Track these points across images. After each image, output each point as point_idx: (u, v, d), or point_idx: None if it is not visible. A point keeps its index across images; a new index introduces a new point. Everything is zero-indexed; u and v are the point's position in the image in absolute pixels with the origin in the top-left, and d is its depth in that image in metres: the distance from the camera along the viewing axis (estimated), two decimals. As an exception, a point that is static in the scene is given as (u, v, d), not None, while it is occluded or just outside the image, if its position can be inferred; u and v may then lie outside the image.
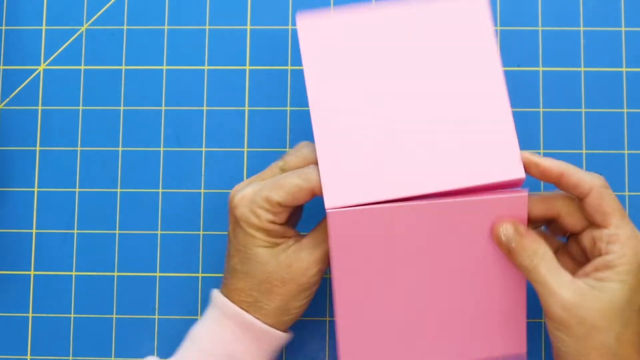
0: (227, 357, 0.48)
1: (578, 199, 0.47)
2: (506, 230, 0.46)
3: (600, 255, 0.46)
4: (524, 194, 0.47)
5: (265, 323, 0.48)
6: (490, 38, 0.50)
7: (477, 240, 0.48)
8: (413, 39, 0.50)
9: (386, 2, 0.50)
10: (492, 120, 0.48)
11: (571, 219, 0.47)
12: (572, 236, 0.49)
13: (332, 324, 0.56)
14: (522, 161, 0.47)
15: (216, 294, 0.49)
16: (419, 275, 0.50)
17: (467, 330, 0.51)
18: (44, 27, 0.59)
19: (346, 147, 0.48)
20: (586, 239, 0.47)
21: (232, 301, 0.48)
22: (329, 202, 0.46)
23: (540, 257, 0.46)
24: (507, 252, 0.47)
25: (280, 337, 0.49)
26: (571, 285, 0.44)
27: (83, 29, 0.59)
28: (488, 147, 0.48)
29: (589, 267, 0.46)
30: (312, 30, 0.50)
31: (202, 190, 0.57)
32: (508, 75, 0.57)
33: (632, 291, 0.44)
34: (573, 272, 0.46)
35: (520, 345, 0.52)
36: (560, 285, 0.44)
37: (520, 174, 0.47)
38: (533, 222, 0.49)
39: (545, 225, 0.50)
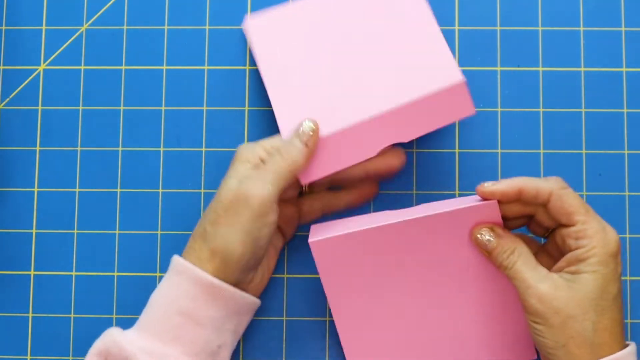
0: (180, 315, 0.48)
1: (542, 207, 0.48)
2: (483, 233, 0.48)
3: (571, 251, 0.47)
4: (493, 200, 0.48)
5: (216, 277, 0.48)
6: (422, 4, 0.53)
7: (460, 251, 0.50)
8: (349, 11, 0.54)
9: None
10: (427, 48, 0.52)
11: (544, 215, 0.49)
12: (550, 235, 0.51)
13: (332, 324, 0.56)
14: (479, 194, 0.49)
15: (173, 257, 0.50)
16: (410, 289, 0.51)
17: (470, 339, 0.52)
18: (44, 27, 0.59)
19: (297, 93, 0.52)
20: (558, 237, 0.49)
21: (186, 259, 0.49)
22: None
23: (517, 254, 0.48)
24: (487, 254, 0.49)
25: (232, 293, 0.49)
26: (547, 279, 0.46)
27: (83, 29, 0.59)
28: (426, 66, 0.51)
29: (562, 263, 0.47)
30: (258, 25, 0.55)
31: (202, 190, 0.57)
32: (508, 75, 0.58)
33: (605, 280, 0.45)
34: (550, 269, 0.48)
35: (529, 351, 0.52)
36: (537, 280, 0.46)
37: (458, 77, 0.50)
38: (513, 221, 0.51)
39: (526, 226, 0.51)
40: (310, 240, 0.49)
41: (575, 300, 0.45)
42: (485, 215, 0.49)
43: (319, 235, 0.50)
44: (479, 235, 0.49)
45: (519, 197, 0.48)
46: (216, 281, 0.48)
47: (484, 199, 0.49)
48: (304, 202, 0.54)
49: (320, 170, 0.50)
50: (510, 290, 0.50)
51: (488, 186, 0.48)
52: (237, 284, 0.49)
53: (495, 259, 0.48)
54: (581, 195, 0.56)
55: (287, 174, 0.49)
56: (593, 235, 0.46)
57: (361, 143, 0.50)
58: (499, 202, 0.48)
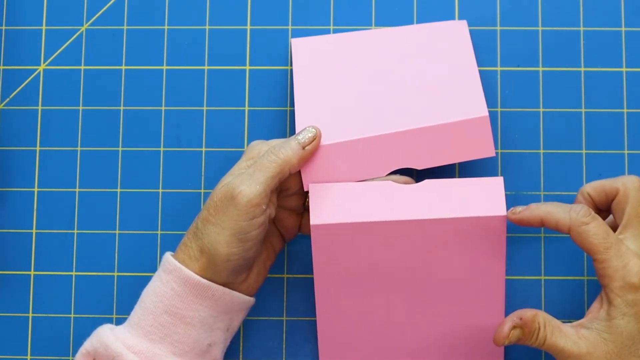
0: (169, 314, 0.47)
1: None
2: (508, 340, 0.47)
3: (602, 286, 0.46)
4: (502, 213, 0.48)
5: (204, 277, 0.48)
6: (467, 47, 0.54)
7: (455, 256, 0.50)
8: (395, 50, 0.55)
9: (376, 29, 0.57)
10: (459, 84, 0.52)
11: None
12: None
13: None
14: (508, 219, 0.49)
15: (165, 255, 0.50)
16: (399, 287, 0.51)
17: (446, 343, 0.52)
18: (44, 27, 0.59)
19: (322, 103, 0.53)
20: None
21: (177, 258, 0.49)
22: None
23: (542, 328, 0.46)
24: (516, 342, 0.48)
25: (221, 292, 0.48)
26: (579, 339, 0.45)
27: (83, 29, 0.59)
28: (454, 98, 0.51)
29: (596, 302, 0.47)
30: (304, 49, 0.56)
31: (202, 190, 0.57)
32: (508, 75, 0.58)
33: (637, 320, 0.44)
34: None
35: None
36: (572, 345, 0.45)
37: (482, 112, 0.49)
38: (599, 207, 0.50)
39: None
40: (312, 223, 0.49)
41: (614, 354, 0.44)
42: (492, 226, 0.49)
43: (321, 211, 0.49)
44: (503, 343, 0.47)
45: (543, 226, 0.48)
46: (204, 281, 0.48)
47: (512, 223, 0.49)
48: (307, 215, 0.53)
49: (325, 177, 0.50)
50: (493, 304, 0.51)
51: (516, 212, 0.48)
52: (227, 284, 0.49)
53: (526, 343, 0.47)
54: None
55: (279, 173, 0.48)
56: (612, 275, 0.45)
57: (372, 159, 0.50)
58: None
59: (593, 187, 0.49)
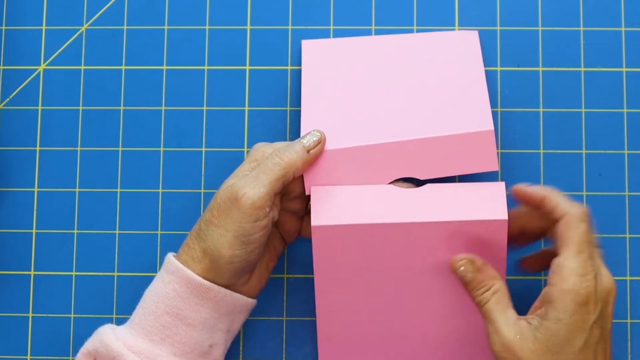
0: (170, 315, 0.47)
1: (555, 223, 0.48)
2: (461, 264, 0.48)
3: (548, 284, 0.46)
4: (503, 217, 0.48)
5: (206, 278, 0.48)
6: (477, 58, 0.54)
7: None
8: (405, 58, 0.55)
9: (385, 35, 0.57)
10: (466, 94, 0.52)
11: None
12: None
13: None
14: (513, 192, 0.49)
15: (167, 255, 0.50)
16: (399, 290, 0.51)
17: (446, 344, 0.52)
18: (44, 27, 0.59)
19: (327, 110, 0.53)
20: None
21: (180, 259, 0.49)
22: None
23: (492, 292, 0.47)
24: (463, 284, 0.49)
25: (223, 294, 0.48)
26: (515, 325, 0.45)
27: (83, 29, 0.59)
28: (460, 110, 0.51)
29: (538, 301, 0.46)
30: (313, 50, 0.56)
31: (202, 190, 0.57)
32: (508, 75, 0.58)
33: (569, 332, 0.44)
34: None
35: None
36: (504, 324, 0.45)
37: (487, 125, 0.50)
38: (529, 235, 0.50)
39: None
40: (313, 224, 0.49)
41: (537, 354, 0.44)
42: (493, 230, 0.48)
43: (322, 213, 0.49)
44: (457, 264, 0.48)
45: (541, 204, 0.47)
46: (206, 282, 0.48)
47: (515, 197, 0.49)
48: (308, 218, 0.53)
49: (328, 181, 0.50)
50: None
51: (521, 187, 0.49)
52: (229, 285, 0.49)
53: (470, 292, 0.48)
54: (581, 196, 0.56)
55: (283, 176, 0.48)
56: (566, 276, 0.44)
57: (375, 166, 0.50)
58: (527, 204, 0.49)
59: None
